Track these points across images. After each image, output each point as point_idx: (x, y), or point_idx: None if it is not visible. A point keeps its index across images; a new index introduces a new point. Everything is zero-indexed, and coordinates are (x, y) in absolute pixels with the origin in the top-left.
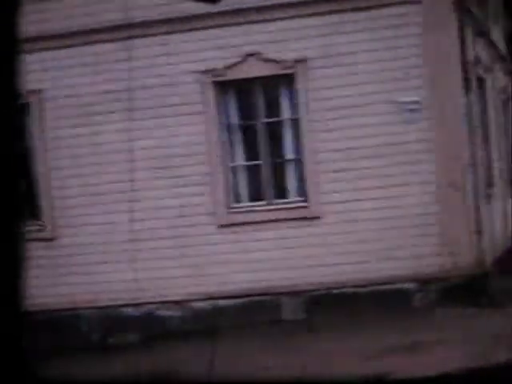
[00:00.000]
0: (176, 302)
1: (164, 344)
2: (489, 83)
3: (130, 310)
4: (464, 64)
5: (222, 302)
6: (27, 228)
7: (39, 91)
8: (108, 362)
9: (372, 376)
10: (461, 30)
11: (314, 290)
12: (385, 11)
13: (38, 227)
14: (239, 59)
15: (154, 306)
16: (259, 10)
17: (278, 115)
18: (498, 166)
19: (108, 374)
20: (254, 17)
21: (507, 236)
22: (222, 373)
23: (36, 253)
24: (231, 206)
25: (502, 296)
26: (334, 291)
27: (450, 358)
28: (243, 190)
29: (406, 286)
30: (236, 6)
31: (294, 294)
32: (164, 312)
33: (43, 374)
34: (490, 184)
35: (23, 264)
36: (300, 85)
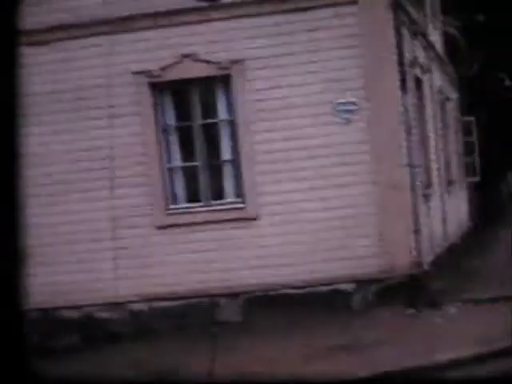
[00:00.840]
0: (114, 304)
1: (102, 346)
2: (426, 84)
3: (68, 312)
4: (401, 65)
5: (160, 304)
6: None
7: None
8: (47, 364)
9: (372, 376)
10: (397, 30)
11: (251, 292)
12: (321, 12)
13: None
14: (175, 60)
15: (93, 308)
16: (196, 11)
17: (214, 116)
18: (436, 167)
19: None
20: (191, 18)
21: (445, 236)
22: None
23: None
24: (168, 207)
25: (440, 296)
26: (272, 293)
27: (388, 358)
28: (180, 191)
29: (345, 286)
30: (172, 7)
31: (231, 295)
32: (103, 314)
33: (43, 374)
34: (428, 184)
35: (23, 260)
36: (236, 86)
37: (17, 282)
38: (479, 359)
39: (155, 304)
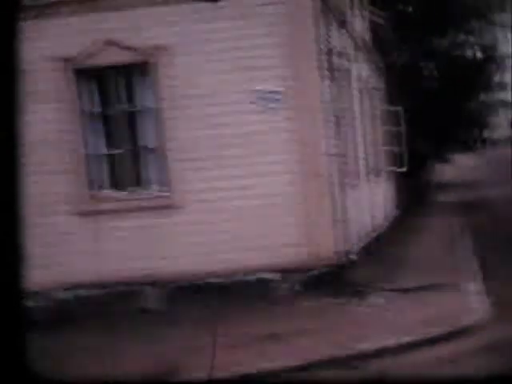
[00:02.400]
0: (37, 292)
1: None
2: (352, 73)
3: None
4: (326, 54)
5: (83, 292)
6: None
7: None
8: None
9: (372, 376)
10: (323, 19)
11: (176, 280)
12: (245, 0)
13: None
14: (99, 46)
15: None
16: None
17: (138, 103)
18: (362, 156)
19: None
20: (114, 4)
21: (372, 225)
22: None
23: None
24: (92, 194)
25: (366, 285)
26: (197, 281)
27: (312, 348)
28: (104, 178)
29: (270, 275)
30: None
31: (156, 283)
32: (26, 302)
33: (43, 374)
34: (354, 174)
35: (23, 256)
36: (159, 72)
37: (17, 283)
38: (404, 348)
39: (79, 292)
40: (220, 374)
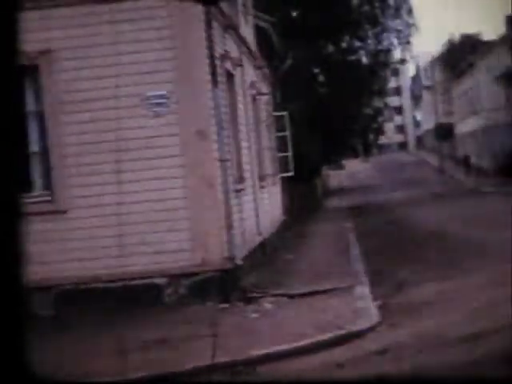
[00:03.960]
0: None
1: None
2: (238, 78)
3: None
4: (211, 58)
5: None
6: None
7: None
8: None
9: (372, 376)
10: (208, 23)
11: (62, 285)
12: (131, 4)
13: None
14: None
15: None
16: None
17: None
18: (248, 161)
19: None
20: None
21: (259, 231)
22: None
23: None
24: None
25: (254, 290)
26: (83, 286)
27: (201, 353)
28: None
29: (157, 280)
30: None
31: (42, 289)
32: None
33: (43, 374)
34: (240, 179)
35: (23, 255)
36: (44, 77)
37: (17, 282)
38: (293, 353)
39: None
40: (112, 380)
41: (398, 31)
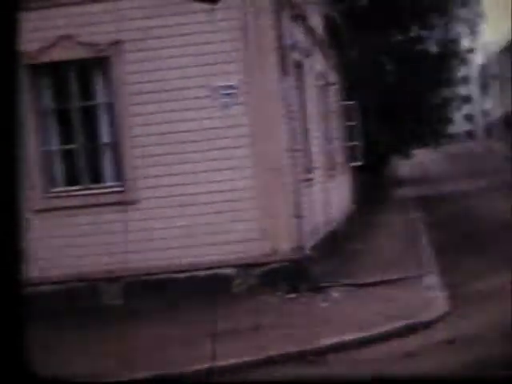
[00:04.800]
0: None
1: None
2: (307, 68)
3: None
4: (280, 48)
5: (39, 289)
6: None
7: None
8: None
9: (372, 376)
10: (278, 14)
11: (132, 276)
12: None
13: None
14: (53, 42)
15: None
16: None
17: (93, 99)
18: (317, 151)
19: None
20: None
21: (328, 220)
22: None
23: None
24: (46, 190)
25: (323, 280)
26: (153, 277)
27: (271, 343)
28: (59, 174)
29: (226, 271)
30: None
31: (112, 279)
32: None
33: (43, 374)
34: (309, 169)
35: (22, 255)
36: (115, 68)
37: (16, 282)
38: (362, 343)
39: (35, 288)
40: (180, 371)
41: (466, 20)
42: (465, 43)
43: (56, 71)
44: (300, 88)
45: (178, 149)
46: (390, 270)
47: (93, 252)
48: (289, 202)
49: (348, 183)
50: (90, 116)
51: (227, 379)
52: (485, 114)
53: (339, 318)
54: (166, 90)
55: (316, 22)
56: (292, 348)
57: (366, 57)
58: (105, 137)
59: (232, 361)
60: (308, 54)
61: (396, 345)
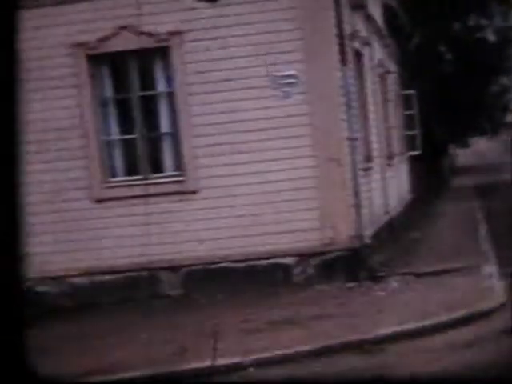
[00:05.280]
0: (53, 278)
1: (41, 320)
2: (366, 57)
3: None
4: (340, 37)
5: (100, 278)
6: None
7: None
8: None
9: (372, 376)
10: (337, 3)
11: (191, 265)
12: None
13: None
14: (113, 32)
15: (31, 281)
16: None
17: (153, 88)
18: (376, 140)
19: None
20: None
21: (386, 209)
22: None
23: None
24: (107, 180)
25: (381, 269)
26: (212, 266)
27: (330, 332)
28: (119, 164)
29: (285, 260)
30: None
31: (171, 268)
32: (42, 288)
33: (43, 374)
34: (368, 158)
35: (22, 254)
36: (175, 58)
37: (17, 282)
38: (420, 332)
39: (96, 278)
40: (236, 359)
41: None
42: None
43: (116, 61)
44: (359, 77)
45: (238, 138)
46: (448, 259)
47: (152, 242)
48: (348, 191)
49: (406, 172)
50: (150, 106)
51: (227, 379)
52: None
53: (398, 307)
54: (227, 80)
55: (375, 10)
56: (351, 337)
57: (425, 46)
58: (165, 126)
59: (293, 350)
60: (367, 43)
61: (454, 334)
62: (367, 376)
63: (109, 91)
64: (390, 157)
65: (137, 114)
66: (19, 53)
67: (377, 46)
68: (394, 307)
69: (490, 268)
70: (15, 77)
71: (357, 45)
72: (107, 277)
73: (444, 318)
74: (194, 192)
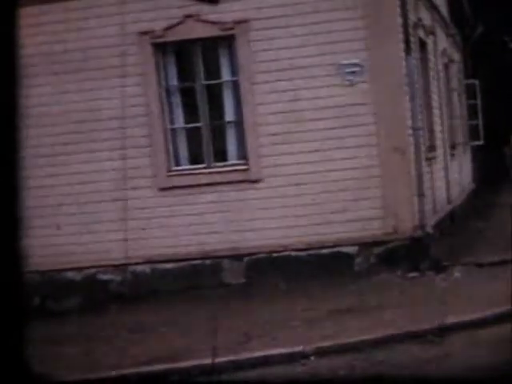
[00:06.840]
0: (117, 266)
1: (105, 307)
2: (430, 46)
3: (70, 274)
4: (405, 26)
5: (162, 266)
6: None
7: None
8: (48, 326)
9: (372, 376)
10: None
11: (254, 254)
12: None
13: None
14: (178, 20)
15: (94, 269)
16: None
17: (218, 77)
18: (439, 130)
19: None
20: None
21: (449, 199)
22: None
23: None
24: (171, 168)
25: (444, 259)
26: (275, 255)
27: (391, 322)
28: (183, 152)
29: (347, 249)
30: None
31: (234, 257)
32: (105, 276)
33: (43, 374)
34: (431, 147)
35: (23, 253)
36: (240, 46)
37: (17, 279)
38: (483, 323)
39: (158, 266)
40: (303, 348)
41: None
42: None
43: (182, 50)
44: (423, 66)
45: (301, 127)
46: (509, 251)
47: (215, 230)
48: (411, 181)
49: (469, 162)
50: (214, 94)
51: (227, 379)
52: None
53: (460, 297)
54: (291, 68)
55: None
56: (413, 327)
57: (489, 35)
58: (229, 115)
59: (355, 339)
60: (432, 32)
61: None
62: (367, 376)
63: (174, 80)
64: (453, 147)
65: (201, 102)
66: (19, 48)
67: (441, 34)
68: (456, 297)
69: None
70: (15, 78)
71: (421, 34)
72: (170, 265)
73: (507, 308)
74: (257, 181)
